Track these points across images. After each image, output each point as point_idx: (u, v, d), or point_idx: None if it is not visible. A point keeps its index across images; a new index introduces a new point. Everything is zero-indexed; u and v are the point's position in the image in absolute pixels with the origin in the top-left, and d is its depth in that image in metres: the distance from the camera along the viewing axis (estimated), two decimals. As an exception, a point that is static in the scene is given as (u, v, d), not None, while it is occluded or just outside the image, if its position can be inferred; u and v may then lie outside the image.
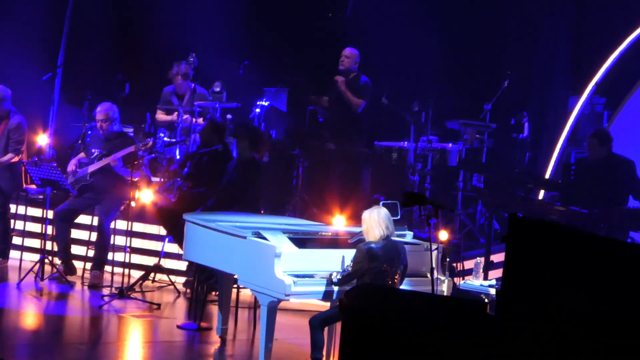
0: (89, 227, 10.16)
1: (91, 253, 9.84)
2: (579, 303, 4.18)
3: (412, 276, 7.01)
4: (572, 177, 9.64)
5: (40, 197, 10.12)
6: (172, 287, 9.70)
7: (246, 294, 8.74)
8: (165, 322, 8.56)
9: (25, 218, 10.43)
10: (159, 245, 10.16)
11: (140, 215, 10.16)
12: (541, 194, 10.70)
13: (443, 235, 8.27)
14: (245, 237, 6.89)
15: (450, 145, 11.04)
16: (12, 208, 10.44)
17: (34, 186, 9.95)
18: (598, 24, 11.16)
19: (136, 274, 9.80)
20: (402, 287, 6.83)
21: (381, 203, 6.98)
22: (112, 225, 9.81)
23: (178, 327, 8.28)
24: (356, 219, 7.86)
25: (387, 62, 11.61)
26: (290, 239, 6.84)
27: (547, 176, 11.01)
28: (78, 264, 9.96)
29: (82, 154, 10.12)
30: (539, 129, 11.53)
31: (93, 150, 9.92)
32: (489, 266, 8.91)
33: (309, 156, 10.86)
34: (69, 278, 9.65)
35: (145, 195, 9.90)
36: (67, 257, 9.84)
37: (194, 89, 10.97)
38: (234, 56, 12.25)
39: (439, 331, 4.56)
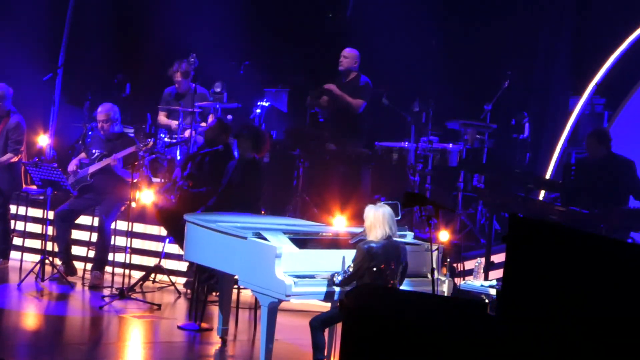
0: (89, 228, 10.16)
1: (92, 254, 9.85)
2: (579, 303, 4.18)
3: (412, 276, 7.01)
4: (572, 177, 9.64)
5: (41, 197, 10.13)
6: (172, 287, 9.70)
7: (247, 295, 8.74)
8: (166, 323, 8.56)
9: (25, 219, 10.43)
10: (160, 246, 10.16)
11: (141, 216, 10.17)
12: (541, 195, 10.71)
13: (443, 235, 8.28)
14: (245, 238, 6.89)
15: (450, 145, 11.04)
16: (13, 209, 10.44)
17: (34, 187, 9.95)
18: (598, 25, 11.17)
19: (137, 275, 9.80)
20: (402, 287, 6.83)
21: (382, 203, 6.97)
22: (112, 226, 9.81)
23: (178, 327, 8.28)
24: (356, 219, 7.87)
25: (387, 62, 11.61)
26: (291, 239, 6.84)
27: (547, 176, 11.02)
28: (79, 265, 9.97)
29: (82, 155, 10.12)
30: (540, 129, 11.54)
31: (94, 151, 9.93)
32: (489, 266, 8.91)
33: (309, 156, 10.86)
34: (70, 279, 9.66)
35: (146, 196, 9.91)
36: (68, 258, 9.85)
37: (194, 90, 10.98)
38: (235, 56, 12.25)
39: (440, 331, 4.56)
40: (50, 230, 9.82)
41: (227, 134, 9.67)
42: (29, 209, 10.44)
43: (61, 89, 12.45)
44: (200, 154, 9.71)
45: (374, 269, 6.58)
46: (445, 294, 7.20)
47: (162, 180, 10.71)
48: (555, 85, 11.44)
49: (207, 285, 8.77)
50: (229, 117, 11.52)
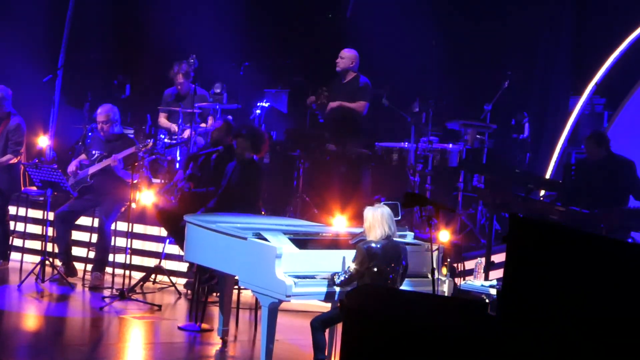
0: (89, 229, 10.16)
1: (92, 254, 9.85)
2: (579, 303, 4.18)
3: (413, 277, 7.01)
4: (572, 177, 9.64)
5: (41, 198, 10.12)
6: (173, 288, 9.70)
7: (247, 295, 8.74)
8: (166, 324, 8.56)
9: (25, 220, 10.43)
10: (160, 247, 10.16)
11: (141, 217, 10.16)
12: (541, 195, 10.71)
13: (444, 235, 8.28)
14: (246, 238, 6.89)
15: (450, 145, 11.04)
16: (13, 210, 10.44)
17: (34, 188, 9.95)
18: (598, 25, 11.17)
19: (137, 276, 9.80)
20: (403, 287, 6.83)
21: (382, 204, 6.97)
22: (112, 227, 9.81)
23: (179, 328, 8.28)
24: (357, 219, 7.86)
25: (387, 62, 11.61)
26: (291, 239, 6.84)
27: (547, 176, 11.02)
28: (79, 266, 9.97)
29: (82, 156, 10.12)
30: (539, 130, 11.54)
31: (94, 152, 9.93)
32: (489, 266, 8.90)
33: (309, 157, 10.86)
34: (70, 280, 9.66)
35: (146, 197, 9.91)
36: (68, 259, 9.85)
37: (194, 90, 10.98)
38: (235, 57, 12.25)
39: (440, 331, 4.56)
40: (50, 232, 9.82)
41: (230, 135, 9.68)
42: (29, 210, 10.44)
43: (61, 90, 12.45)
44: (203, 154, 9.72)
45: (374, 269, 6.58)
46: (446, 294, 7.20)
47: (162, 181, 10.71)
48: (555, 85, 11.45)
49: (208, 286, 8.77)
50: (229, 117, 11.52)
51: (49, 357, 7.50)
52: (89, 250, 9.94)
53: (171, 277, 9.83)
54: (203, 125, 11.32)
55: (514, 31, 11.66)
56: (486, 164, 11.10)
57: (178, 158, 11.00)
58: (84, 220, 10.19)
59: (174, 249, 10.00)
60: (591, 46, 11.32)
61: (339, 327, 6.81)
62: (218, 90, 12.03)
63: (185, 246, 7.72)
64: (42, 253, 9.67)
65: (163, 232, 10.09)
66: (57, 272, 9.61)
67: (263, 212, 9.16)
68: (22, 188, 10.27)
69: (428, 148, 10.85)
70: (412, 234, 7.57)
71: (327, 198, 10.14)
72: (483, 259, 8.59)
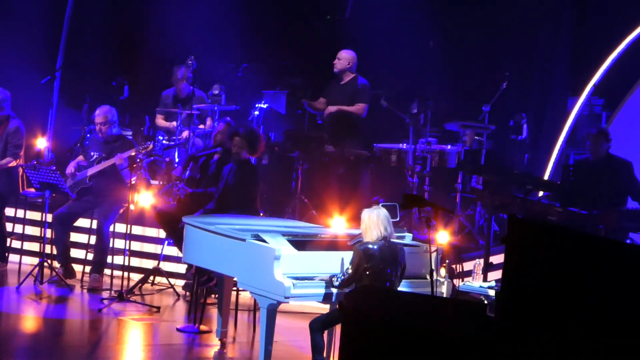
0: (88, 231, 10.15)
1: (90, 256, 9.84)
2: (578, 304, 4.18)
3: (411, 278, 7.01)
4: (571, 178, 9.64)
5: (39, 200, 10.11)
6: (171, 290, 9.69)
7: (246, 297, 8.74)
8: (165, 325, 8.56)
9: (24, 221, 10.43)
10: (158, 248, 10.16)
11: (140, 218, 10.16)
12: (540, 195, 10.70)
13: (442, 236, 8.28)
14: (244, 240, 6.89)
15: (449, 146, 11.03)
16: (12, 212, 10.43)
17: (32, 190, 9.94)
18: (596, 26, 11.18)
19: (135, 277, 9.79)
20: (401, 288, 6.83)
21: (380, 205, 6.98)
22: (111, 228, 9.81)
23: (178, 330, 8.28)
24: (355, 221, 7.86)
25: (385, 64, 11.61)
26: (290, 241, 6.84)
27: (546, 177, 11.02)
28: (77, 267, 9.97)
29: (81, 157, 10.12)
30: (538, 130, 11.54)
31: (92, 153, 9.93)
32: (488, 267, 8.90)
33: (308, 158, 10.85)
34: (69, 281, 9.65)
35: (145, 198, 9.90)
36: (67, 261, 9.84)
37: (192, 92, 10.98)
38: (233, 59, 12.25)
39: (439, 333, 4.56)
40: (48, 233, 9.82)
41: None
42: (28, 211, 10.44)
43: (59, 92, 12.45)
44: (204, 155, 9.72)
45: (372, 270, 6.58)
46: (445, 295, 7.20)
47: (161, 183, 10.71)
48: (553, 86, 11.45)
49: (206, 288, 8.76)
50: (229, 119, 11.51)
51: (47, 358, 7.50)
52: (87, 252, 9.94)
53: (170, 279, 9.82)
54: (201, 126, 11.32)
55: (512, 32, 11.67)
56: (485, 165, 11.10)
57: (176, 159, 10.99)
58: (82, 222, 10.18)
59: (172, 251, 10.00)
60: (589, 47, 11.32)
61: (338, 328, 6.80)
62: (216, 92, 12.02)
63: (183, 248, 7.71)
64: (41, 255, 9.67)
65: (162, 234, 10.09)
66: (56, 274, 9.61)
67: (261, 214, 9.16)
68: (21, 191, 10.26)
69: (426, 149, 10.85)
70: (411, 235, 7.57)
71: (326, 199, 10.13)
72: (482, 260, 8.59)
